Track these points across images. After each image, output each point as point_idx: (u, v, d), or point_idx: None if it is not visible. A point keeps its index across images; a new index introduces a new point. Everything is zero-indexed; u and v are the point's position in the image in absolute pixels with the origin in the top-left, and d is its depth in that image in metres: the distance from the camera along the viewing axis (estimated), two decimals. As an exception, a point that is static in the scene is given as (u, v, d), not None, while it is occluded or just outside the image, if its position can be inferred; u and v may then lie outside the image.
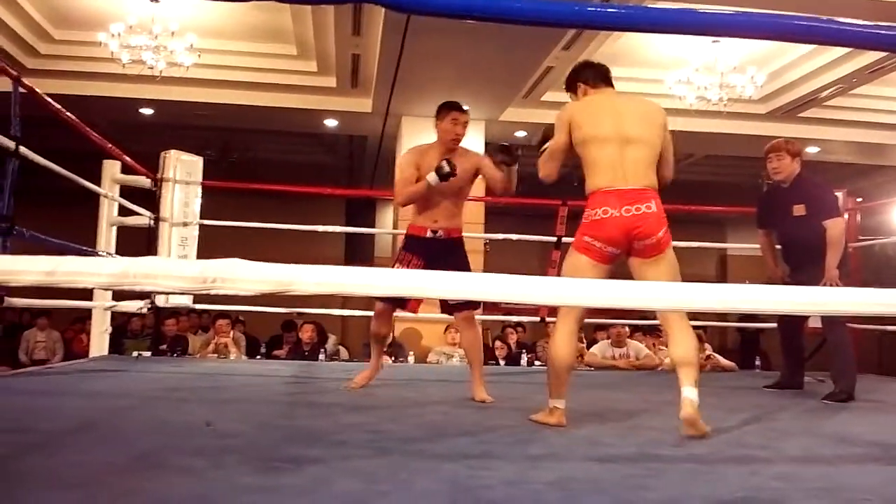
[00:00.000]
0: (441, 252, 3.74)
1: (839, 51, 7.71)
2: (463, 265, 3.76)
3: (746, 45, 7.68)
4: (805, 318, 4.62)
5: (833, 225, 4.20)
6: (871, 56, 7.67)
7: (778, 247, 4.64)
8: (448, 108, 3.78)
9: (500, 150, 3.71)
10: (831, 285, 4.08)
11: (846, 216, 5.75)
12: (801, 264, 4.32)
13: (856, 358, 4.38)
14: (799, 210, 4.33)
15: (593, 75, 3.08)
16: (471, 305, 3.75)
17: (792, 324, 4.57)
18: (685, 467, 2.18)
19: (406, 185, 3.73)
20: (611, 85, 3.08)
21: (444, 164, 3.55)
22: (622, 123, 2.86)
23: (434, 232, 3.79)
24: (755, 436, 2.80)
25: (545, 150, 3.06)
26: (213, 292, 1.26)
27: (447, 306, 3.80)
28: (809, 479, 2.04)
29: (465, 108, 3.83)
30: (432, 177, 3.59)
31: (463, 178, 3.74)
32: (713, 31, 1.95)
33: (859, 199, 6.42)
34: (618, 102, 2.96)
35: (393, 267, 3.85)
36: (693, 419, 2.61)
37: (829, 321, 4.29)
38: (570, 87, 3.16)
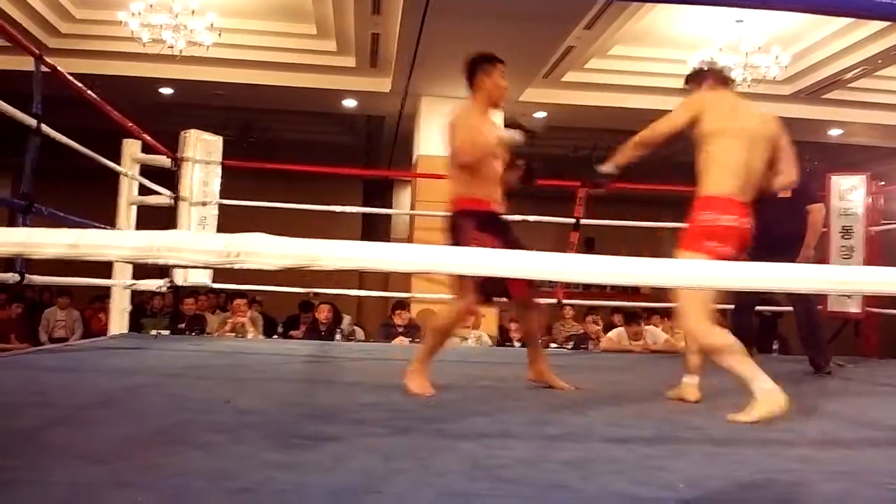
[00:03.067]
0: (508, 229, 3.23)
1: (864, 32, 7.58)
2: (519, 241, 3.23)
3: (770, 24, 7.57)
4: (757, 300, 4.82)
5: (817, 210, 4.61)
6: (896, 38, 7.55)
7: None
8: (495, 61, 3.25)
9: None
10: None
11: (870, 199, 5.70)
12: (777, 245, 4.36)
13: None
14: (785, 192, 4.41)
15: (720, 77, 3.07)
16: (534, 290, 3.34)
17: (746, 303, 4.71)
18: (704, 449, 2.17)
19: (477, 141, 3.08)
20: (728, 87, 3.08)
21: (525, 121, 3.16)
22: (752, 129, 2.87)
23: (500, 205, 3.24)
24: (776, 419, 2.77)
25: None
26: (236, 266, 1.26)
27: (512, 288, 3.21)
28: (830, 461, 2.03)
29: None
30: (516, 134, 3.10)
31: None
32: (743, 2, 1.91)
33: (881, 183, 6.33)
34: (742, 104, 2.98)
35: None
36: None
37: (802, 306, 4.49)
38: (696, 81, 3.10)
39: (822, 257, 5.70)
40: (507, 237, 3.12)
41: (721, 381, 2.92)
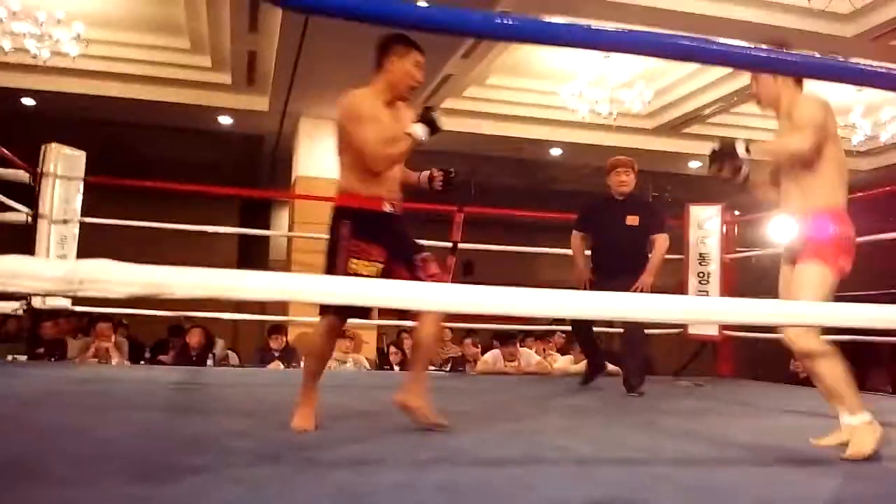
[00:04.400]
0: (396, 231, 2.84)
1: (720, 71, 8.11)
2: (415, 244, 2.89)
3: (635, 62, 7.97)
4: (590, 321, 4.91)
5: (662, 239, 4.73)
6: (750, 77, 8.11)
7: (587, 252, 4.97)
8: (409, 45, 2.81)
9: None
10: (643, 290, 4.53)
11: (725, 229, 6.07)
12: (622, 270, 4.63)
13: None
14: (632, 220, 4.73)
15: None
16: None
17: (584, 321, 4.85)
18: (568, 469, 2.23)
19: (386, 139, 2.69)
20: None
21: (434, 113, 2.71)
22: None
23: (392, 205, 2.83)
24: (636, 438, 2.90)
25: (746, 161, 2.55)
26: (80, 294, 1.21)
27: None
28: (684, 479, 2.14)
29: None
30: (420, 130, 2.69)
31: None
32: (603, 46, 2.02)
33: (737, 213, 6.76)
34: None
35: (337, 262, 2.73)
36: None
37: (634, 330, 4.66)
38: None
39: (679, 283, 6.04)
40: (393, 243, 2.80)
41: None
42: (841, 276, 2.61)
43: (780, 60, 1.86)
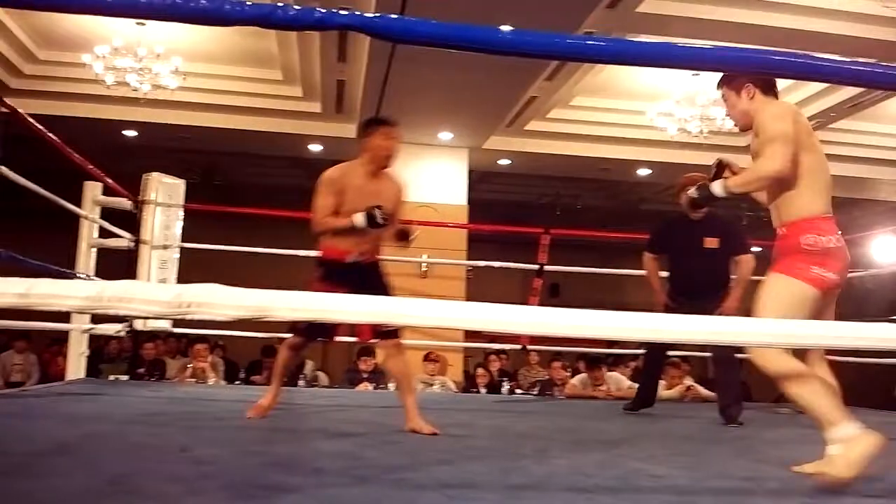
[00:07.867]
0: (364, 277, 3.39)
1: (817, 86, 7.83)
2: (385, 288, 3.48)
3: (727, 78, 7.80)
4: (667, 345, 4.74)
5: (748, 260, 4.51)
6: (849, 91, 7.81)
7: (664, 274, 4.73)
8: (378, 123, 3.52)
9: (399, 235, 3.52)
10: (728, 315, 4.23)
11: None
12: (702, 294, 4.40)
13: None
14: (711, 242, 4.49)
15: (769, 85, 2.66)
16: (398, 332, 3.44)
17: (660, 349, 4.70)
18: (664, 498, 2.17)
19: (327, 214, 3.37)
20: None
21: (378, 212, 3.26)
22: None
23: (360, 255, 3.43)
24: (736, 467, 2.80)
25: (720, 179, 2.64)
26: (187, 317, 1.26)
27: (376, 332, 3.44)
28: (788, 510, 2.05)
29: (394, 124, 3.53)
30: (360, 220, 3.29)
31: (393, 207, 3.46)
32: (693, 64, 1.99)
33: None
34: None
35: None
36: None
37: (724, 355, 4.39)
38: (732, 82, 2.66)
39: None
40: (358, 287, 3.00)
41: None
42: (825, 286, 2.46)
43: (879, 74, 1.79)
